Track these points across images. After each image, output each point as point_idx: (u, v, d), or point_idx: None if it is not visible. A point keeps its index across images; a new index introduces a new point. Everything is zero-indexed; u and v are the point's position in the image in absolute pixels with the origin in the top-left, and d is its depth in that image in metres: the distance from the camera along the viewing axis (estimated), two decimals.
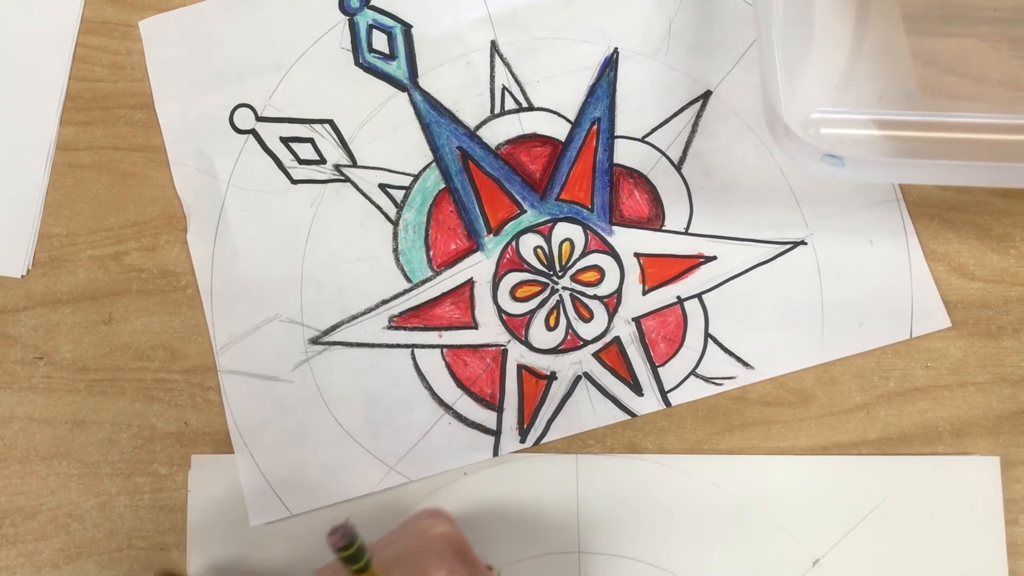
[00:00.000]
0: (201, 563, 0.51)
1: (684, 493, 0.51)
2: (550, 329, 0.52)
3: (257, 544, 0.51)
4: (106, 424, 0.52)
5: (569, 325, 0.52)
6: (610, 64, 0.54)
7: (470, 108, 0.54)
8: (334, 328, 0.52)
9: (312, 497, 0.51)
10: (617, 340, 0.52)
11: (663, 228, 0.53)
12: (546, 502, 0.51)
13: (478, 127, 0.54)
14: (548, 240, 0.53)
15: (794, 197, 0.52)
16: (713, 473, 0.51)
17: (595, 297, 0.52)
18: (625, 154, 0.53)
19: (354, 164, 0.53)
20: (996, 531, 0.50)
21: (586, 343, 0.52)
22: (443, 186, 0.53)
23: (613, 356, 0.52)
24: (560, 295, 0.52)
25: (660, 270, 0.52)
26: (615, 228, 0.53)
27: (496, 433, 0.51)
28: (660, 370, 0.52)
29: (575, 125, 0.53)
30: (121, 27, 0.55)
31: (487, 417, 0.52)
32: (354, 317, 0.52)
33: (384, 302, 0.52)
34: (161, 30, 0.55)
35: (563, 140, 0.53)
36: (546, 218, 0.53)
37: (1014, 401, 0.51)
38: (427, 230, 0.53)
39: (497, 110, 0.54)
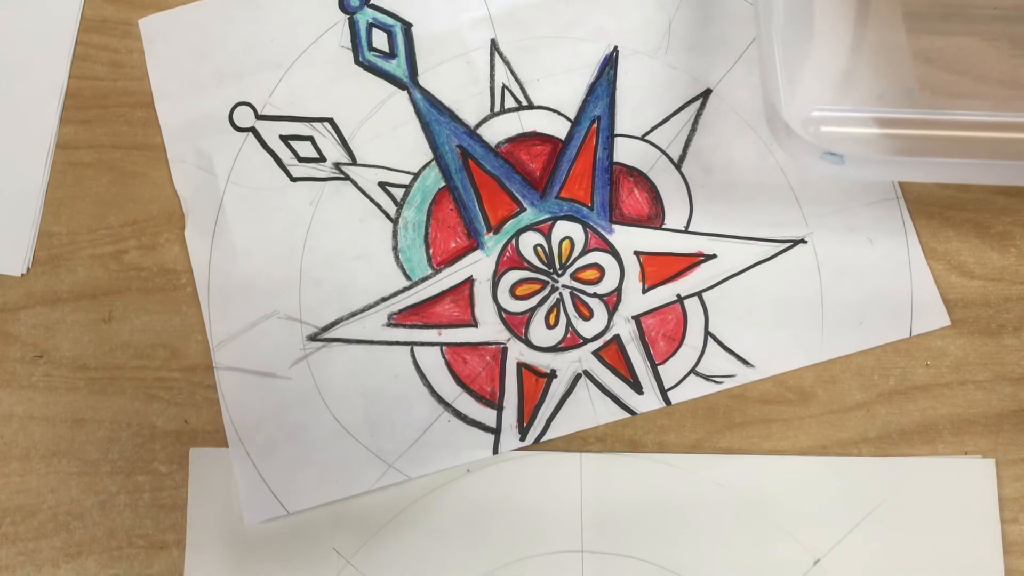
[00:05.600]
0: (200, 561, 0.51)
1: (686, 492, 0.51)
2: (550, 327, 0.52)
3: (257, 542, 0.51)
4: (106, 422, 0.52)
5: (569, 323, 0.52)
6: (610, 62, 0.54)
7: (470, 106, 0.54)
8: (333, 325, 0.52)
9: (309, 495, 0.51)
10: (617, 338, 0.52)
11: (663, 226, 0.53)
12: (549, 501, 0.51)
13: (478, 125, 0.54)
14: (548, 238, 0.53)
15: (794, 195, 0.52)
16: (714, 472, 0.51)
17: (595, 295, 0.52)
18: (625, 152, 0.53)
19: (354, 162, 0.53)
20: (992, 531, 0.50)
21: (586, 341, 0.52)
22: (443, 184, 0.53)
23: (613, 354, 0.52)
24: (560, 293, 0.52)
25: (660, 268, 0.52)
26: (615, 226, 0.53)
27: (496, 431, 0.51)
28: (660, 368, 0.52)
29: (575, 123, 0.53)
30: (121, 25, 0.55)
31: (487, 415, 0.52)
32: (353, 314, 0.52)
33: (383, 300, 0.52)
34: (161, 28, 0.55)
35: (563, 138, 0.53)
36: (546, 216, 0.53)
37: (1014, 399, 0.51)
38: (427, 228, 0.53)
39: (497, 108, 0.54)
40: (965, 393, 0.51)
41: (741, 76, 0.53)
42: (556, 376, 0.52)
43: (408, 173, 0.53)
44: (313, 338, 0.52)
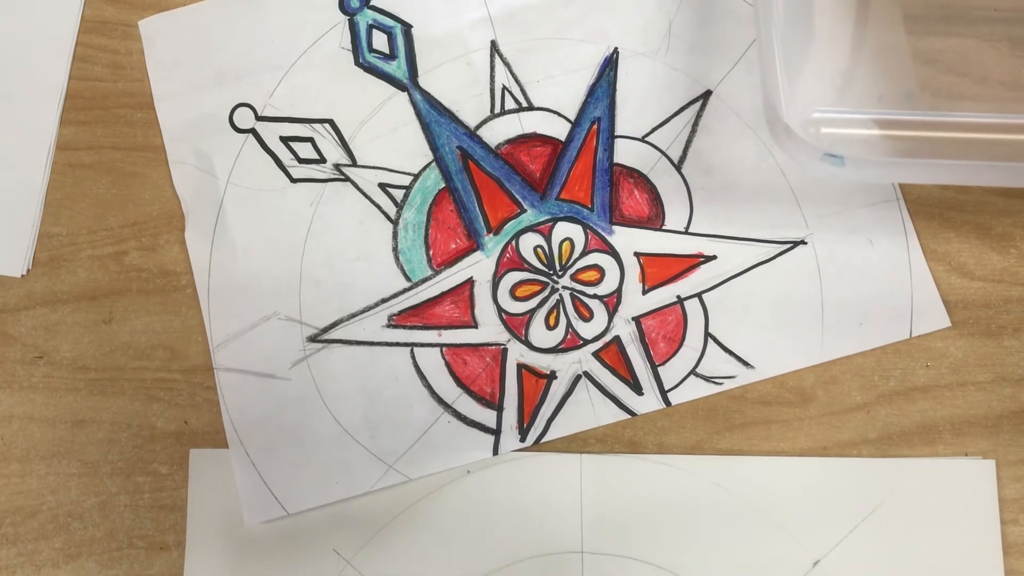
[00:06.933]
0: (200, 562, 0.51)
1: (686, 493, 0.51)
2: (550, 328, 0.52)
3: (257, 543, 0.51)
4: (106, 423, 0.52)
5: (569, 324, 0.52)
6: (610, 64, 0.54)
7: (470, 108, 0.54)
8: (333, 326, 0.52)
9: (309, 496, 0.51)
10: (617, 339, 0.52)
11: (663, 227, 0.53)
12: (549, 502, 0.51)
13: (478, 127, 0.54)
14: (548, 239, 0.53)
15: (794, 196, 0.52)
16: (714, 473, 0.51)
17: (595, 296, 0.52)
18: (625, 154, 0.53)
19: (354, 163, 0.53)
20: (992, 532, 0.50)
21: (586, 342, 0.52)
22: (443, 185, 0.53)
23: (613, 355, 0.52)
24: (560, 294, 0.52)
25: (660, 269, 0.52)
26: (615, 227, 0.53)
27: (496, 432, 0.51)
28: (660, 369, 0.52)
29: (575, 125, 0.53)
30: (121, 27, 0.55)
31: (487, 416, 0.52)
32: (353, 315, 0.52)
33: (383, 301, 0.52)
34: (161, 30, 0.55)
35: (563, 140, 0.53)
36: (546, 217, 0.53)
37: (1014, 401, 0.51)
38: (427, 229, 0.53)
39: (497, 110, 0.54)
40: (965, 394, 0.51)
41: (741, 77, 0.53)
42: (556, 377, 0.52)
43: (408, 174, 0.53)
44: (313, 339, 0.52)
